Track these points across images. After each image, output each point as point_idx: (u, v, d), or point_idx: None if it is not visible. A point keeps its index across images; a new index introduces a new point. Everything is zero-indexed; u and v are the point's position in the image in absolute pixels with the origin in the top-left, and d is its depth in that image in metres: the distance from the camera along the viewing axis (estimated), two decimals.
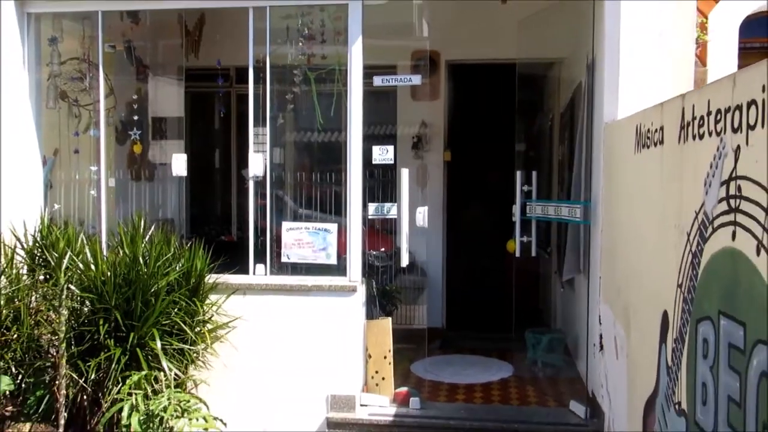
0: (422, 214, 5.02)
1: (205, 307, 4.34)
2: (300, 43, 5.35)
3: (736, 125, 2.11)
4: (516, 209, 5.23)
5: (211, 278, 4.65)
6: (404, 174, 4.94)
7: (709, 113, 2.37)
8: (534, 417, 4.79)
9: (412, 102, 7.16)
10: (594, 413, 4.63)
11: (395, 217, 4.94)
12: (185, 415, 3.23)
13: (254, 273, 4.94)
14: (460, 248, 7.50)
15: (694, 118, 2.54)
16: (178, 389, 3.47)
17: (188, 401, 3.31)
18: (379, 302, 5.59)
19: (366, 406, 4.85)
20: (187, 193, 7.77)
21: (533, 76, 7.69)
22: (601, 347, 4.48)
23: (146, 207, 6.31)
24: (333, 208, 5.65)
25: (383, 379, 4.98)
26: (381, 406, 4.84)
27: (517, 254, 5.28)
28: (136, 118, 5.65)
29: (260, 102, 5.05)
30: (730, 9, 6.23)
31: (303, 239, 4.91)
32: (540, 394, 5.28)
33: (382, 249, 6.29)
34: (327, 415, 4.75)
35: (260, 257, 4.98)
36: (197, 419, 3.22)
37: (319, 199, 5.97)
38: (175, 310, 4.02)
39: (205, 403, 3.40)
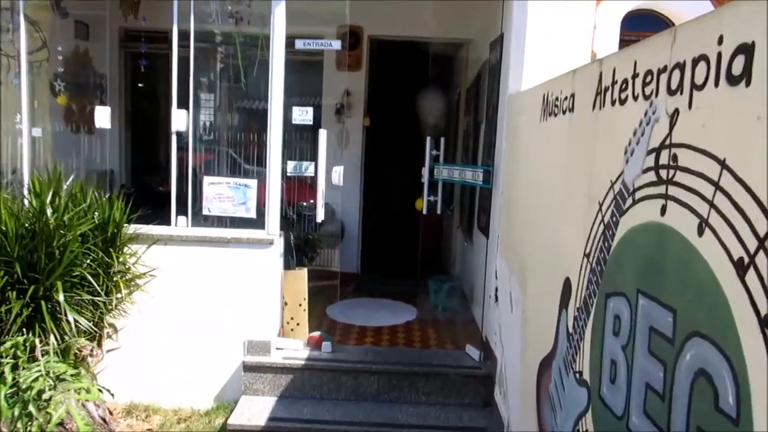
0: (338, 173, 4.31)
1: (122, 258, 3.52)
2: (228, 13, 4.46)
3: (674, 86, 1.50)
4: (425, 171, 4.60)
5: (131, 228, 3.82)
6: (322, 135, 4.18)
7: (635, 75, 1.76)
8: (434, 359, 4.25)
9: (336, 72, 6.36)
10: (487, 357, 4.14)
11: (312, 174, 4.20)
12: (60, 387, 2.33)
13: (176, 224, 4.12)
14: (375, 204, 6.86)
15: (614, 83, 1.93)
16: (62, 359, 2.56)
17: (64, 372, 2.42)
18: (296, 254, 4.88)
19: (281, 349, 4.17)
20: (129, 145, 6.80)
21: (444, 55, 7.01)
22: (496, 299, 3.95)
23: (87, 158, 5.38)
24: (256, 164, 4.86)
25: (298, 324, 4.32)
26: (295, 350, 4.17)
27: (424, 212, 4.67)
28: (64, 70, 4.65)
29: (187, 65, 4.15)
30: (613, 6, 5.79)
31: (224, 193, 4.11)
32: (440, 337, 4.75)
33: (311, 201, 5.57)
34: (243, 359, 4.05)
35: (183, 210, 4.17)
36: (77, 391, 2.37)
37: (244, 156, 5.17)
38: (88, 261, 3.19)
39: (90, 371, 2.57)
